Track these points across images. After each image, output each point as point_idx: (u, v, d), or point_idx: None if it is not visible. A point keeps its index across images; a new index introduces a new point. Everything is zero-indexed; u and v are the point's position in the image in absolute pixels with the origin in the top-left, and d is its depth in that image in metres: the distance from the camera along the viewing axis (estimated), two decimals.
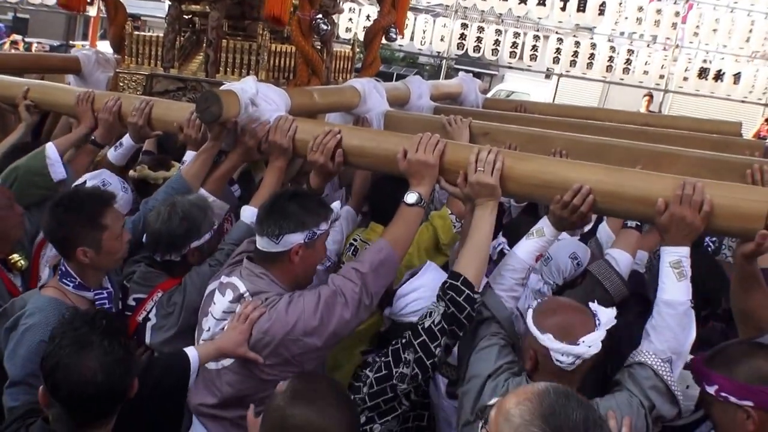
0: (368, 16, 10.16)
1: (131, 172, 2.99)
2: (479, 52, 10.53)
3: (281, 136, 2.49)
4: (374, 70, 3.97)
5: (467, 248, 2.10)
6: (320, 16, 3.27)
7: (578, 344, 1.77)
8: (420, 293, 2.22)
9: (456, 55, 10.62)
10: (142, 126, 2.82)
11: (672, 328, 1.89)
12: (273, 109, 2.53)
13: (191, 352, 2.02)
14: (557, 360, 1.79)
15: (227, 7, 3.43)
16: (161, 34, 3.57)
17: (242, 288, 2.08)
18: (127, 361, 1.66)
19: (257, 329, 1.99)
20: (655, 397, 1.86)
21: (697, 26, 10.05)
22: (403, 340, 2.00)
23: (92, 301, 2.23)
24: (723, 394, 1.68)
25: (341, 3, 5.41)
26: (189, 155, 2.71)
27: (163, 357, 2.20)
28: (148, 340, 2.35)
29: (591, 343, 1.77)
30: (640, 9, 10.03)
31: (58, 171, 2.77)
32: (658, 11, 10.05)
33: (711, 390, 1.70)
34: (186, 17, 3.63)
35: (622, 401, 1.84)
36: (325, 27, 3.38)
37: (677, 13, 10.06)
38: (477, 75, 9.07)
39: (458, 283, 1.98)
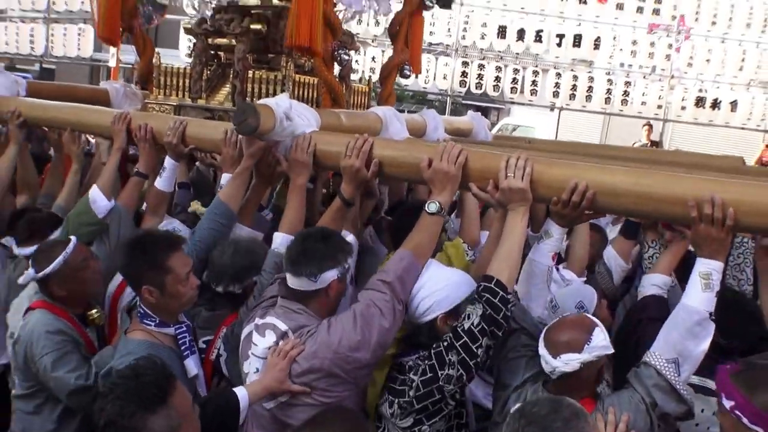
0: (373, 58, 10.40)
1: None
2: (481, 88, 10.70)
3: (302, 153, 2.53)
4: (391, 103, 4.09)
5: (500, 252, 2.13)
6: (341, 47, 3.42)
7: (556, 358, 1.93)
8: (426, 291, 2.19)
9: (458, 92, 10.77)
10: (177, 144, 2.90)
11: (681, 331, 1.95)
12: (306, 124, 2.58)
13: (241, 391, 2.07)
14: (543, 365, 1.98)
15: (252, 40, 3.56)
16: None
17: (283, 326, 2.13)
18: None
19: (305, 357, 2.04)
20: (658, 394, 1.93)
21: (691, 57, 10.23)
22: (445, 343, 2.03)
23: (174, 336, 2.31)
24: (737, 412, 1.66)
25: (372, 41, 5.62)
26: (224, 178, 2.78)
27: (215, 397, 2.23)
28: (226, 373, 2.43)
29: (567, 361, 1.91)
30: (635, 42, 10.22)
31: (101, 208, 2.88)
32: (652, 44, 10.23)
33: (727, 404, 1.69)
34: (212, 51, 3.76)
35: (623, 398, 1.94)
36: (346, 57, 3.52)
37: (670, 45, 10.22)
38: (485, 109, 9.29)
39: (492, 285, 2.03)
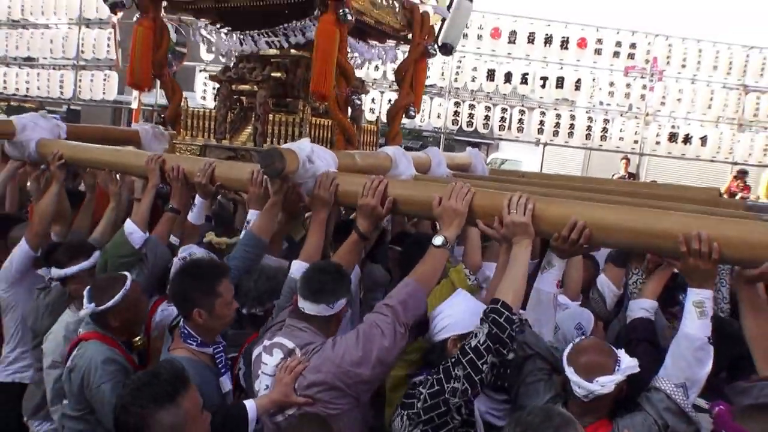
0: (373, 99, 10.45)
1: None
2: (472, 126, 10.78)
3: (324, 191, 2.58)
4: (397, 143, 4.09)
5: (506, 279, 2.16)
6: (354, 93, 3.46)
7: (592, 382, 1.93)
8: (444, 313, 2.25)
9: (451, 129, 10.86)
10: (206, 184, 2.94)
11: (686, 358, 1.97)
12: (325, 165, 2.63)
13: (249, 403, 2.11)
14: (575, 391, 1.97)
15: (272, 86, 3.60)
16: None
17: (290, 344, 2.16)
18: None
19: (311, 371, 2.08)
20: (669, 417, 1.94)
21: (664, 96, 10.36)
22: (453, 359, 2.03)
23: (212, 355, 2.36)
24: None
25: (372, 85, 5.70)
26: (252, 214, 2.80)
27: (225, 407, 2.24)
28: (244, 386, 2.49)
29: (604, 384, 1.92)
30: (612, 83, 10.34)
31: (136, 239, 2.93)
32: (628, 85, 10.34)
33: None
34: (235, 96, 3.79)
35: (637, 420, 1.94)
36: (358, 102, 3.56)
37: (644, 86, 10.33)
38: (476, 144, 9.34)
39: (498, 307, 2.04)
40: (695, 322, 1.97)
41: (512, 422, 1.69)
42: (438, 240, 2.27)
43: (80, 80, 11.20)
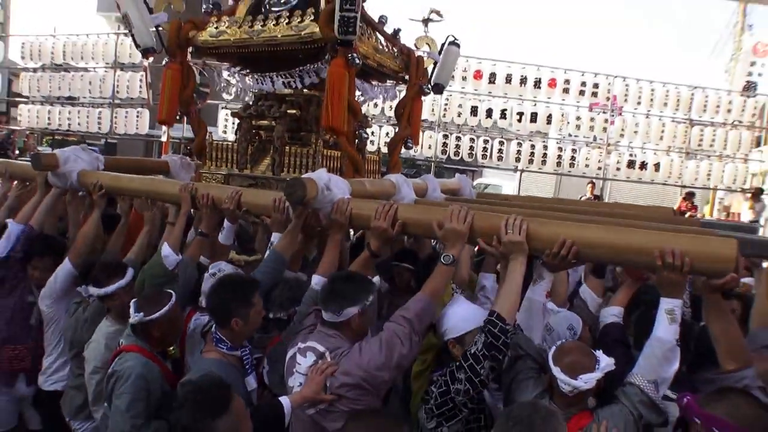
0: (372, 132, 10.35)
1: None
2: (458, 155, 10.71)
3: (340, 215, 2.54)
4: (397, 171, 4.06)
5: (502, 292, 2.15)
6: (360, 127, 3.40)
7: (576, 379, 1.93)
8: (444, 319, 2.27)
9: (440, 158, 10.82)
10: (233, 210, 2.86)
11: (658, 358, 1.97)
12: (341, 192, 2.58)
13: (284, 400, 2.14)
14: (561, 387, 1.96)
15: (288, 122, 3.54)
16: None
17: (321, 348, 2.15)
18: None
19: (342, 372, 2.07)
20: (642, 408, 1.92)
21: (623, 129, 10.35)
22: (457, 363, 2.05)
23: (240, 357, 2.33)
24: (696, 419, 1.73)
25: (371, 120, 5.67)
26: (275, 236, 2.76)
27: (264, 405, 2.26)
28: (268, 383, 2.46)
29: (587, 381, 1.93)
30: (578, 118, 10.33)
31: (171, 262, 2.87)
32: (592, 119, 10.32)
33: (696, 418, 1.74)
34: (254, 130, 3.72)
35: (615, 411, 1.93)
36: (365, 135, 3.49)
37: (606, 120, 10.32)
38: (461, 171, 9.29)
39: (494, 318, 2.04)
40: (666, 327, 1.97)
41: (504, 416, 1.73)
42: (446, 258, 2.26)
43: (116, 117, 11.10)
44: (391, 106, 9.58)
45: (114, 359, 2.44)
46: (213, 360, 2.25)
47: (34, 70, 11.53)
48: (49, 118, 11.54)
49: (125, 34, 11.16)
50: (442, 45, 4.25)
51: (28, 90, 11.60)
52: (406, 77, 4.13)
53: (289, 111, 3.51)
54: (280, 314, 2.50)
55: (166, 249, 2.88)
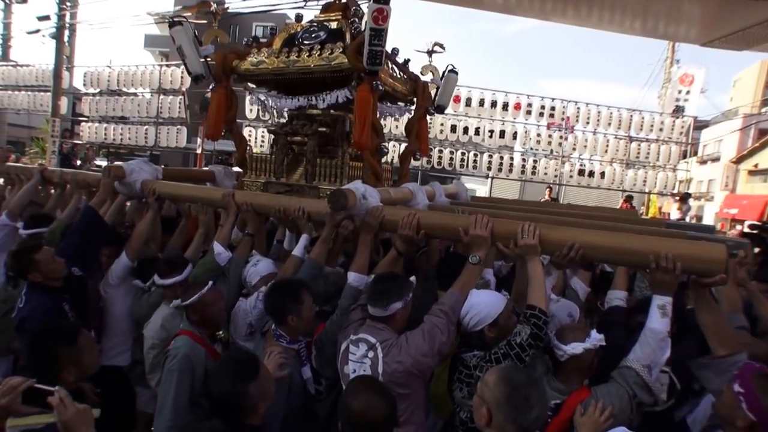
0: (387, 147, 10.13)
1: None
2: (441, 164, 10.55)
3: (374, 220, 2.39)
4: (407, 180, 3.89)
5: (534, 288, 1.98)
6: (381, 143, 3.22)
7: (567, 345, 1.88)
8: (473, 311, 2.07)
9: (426, 167, 10.67)
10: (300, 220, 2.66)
11: (651, 346, 1.85)
12: (374, 201, 2.42)
13: None
14: (557, 354, 1.90)
15: (318, 138, 3.34)
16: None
17: (373, 339, 2.02)
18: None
19: (394, 360, 1.91)
20: (637, 389, 1.82)
21: (575, 144, 10.26)
22: (502, 351, 1.90)
23: (297, 350, 2.19)
24: (741, 397, 1.56)
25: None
26: (304, 239, 2.60)
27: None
28: (315, 366, 2.32)
29: (574, 348, 1.87)
30: (539, 134, 10.23)
31: (223, 259, 2.67)
32: (550, 135, 10.22)
33: (736, 388, 1.56)
34: (289, 145, 3.52)
35: (612, 389, 1.83)
36: (385, 150, 3.31)
37: (561, 136, 10.25)
38: (443, 178, 9.13)
39: (537, 313, 1.89)
40: (659, 320, 1.85)
41: (499, 378, 1.51)
42: (474, 259, 2.12)
43: (159, 133, 10.85)
44: (397, 125, 9.46)
45: (171, 341, 2.29)
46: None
47: (94, 95, 11.33)
48: (105, 134, 11.30)
49: (167, 65, 10.94)
50: (443, 72, 4.07)
51: (89, 111, 11.42)
52: (414, 100, 3.95)
53: (319, 129, 3.31)
54: (326, 306, 2.35)
55: (218, 247, 2.68)
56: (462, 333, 2.13)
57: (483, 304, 2.07)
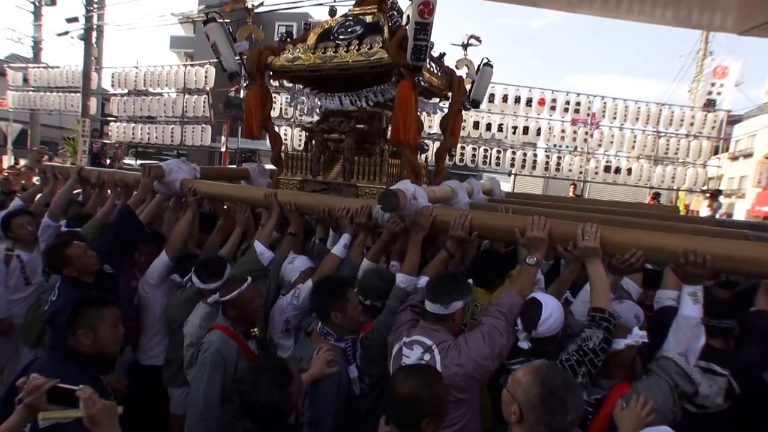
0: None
1: None
2: (463, 161, 10.38)
3: (424, 219, 2.28)
4: (441, 177, 3.76)
5: (599, 292, 1.87)
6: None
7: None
8: (552, 318, 1.93)
9: (449, 164, 10.49)
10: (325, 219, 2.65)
11: (686, 334, 1.79)
12: (424, 201, 2.32)
13: None
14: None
15: (355, 135, 3.24)
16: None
17: (428, 342, 1.93)
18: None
19: (453, 363, 1.80)
20: (678, 378, 1.78)
21: (600, 140, 9.94)
22: (575, 358, 1.79)
23: (344, 348, 2.09)
24: None
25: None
26: (344, 238, 2.54)
27: None
28: (359, 364, 2.26)
29: (616, 344, 1.82)
30: (563, 131, 9.96)
31: (266, 258, 2.61)
32: (574, 131, 9.94)
33: None
34: (326, 143, 3.43)
35: (652, 383, 1.78)
36: (426, 148, 3.19)
37: (587, 132, 9.95)
38: (466, 175, 8.93)
39: (607, 316, 1.80)
40: (691, 306, 1.82)
41: (535, 379, 1.42)
42: (531, 260, 2.02)
43: (185, 132, 10.90)
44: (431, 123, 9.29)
45: (206, 334, 2.25)
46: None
47: (122, 95, 11.42)
48: (133, 134, 11.39)
49: (191, 65, 10.98)
50: (478, 66, 3.92)
51: (117, 111, 11.52)
52: (449, 95, 3.81)
53: (357, 126, 3.21)
54: (377, 302, 2.24)
55: (260, 247, 2.61)
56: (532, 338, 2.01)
57: (557, 313, 1.95)
